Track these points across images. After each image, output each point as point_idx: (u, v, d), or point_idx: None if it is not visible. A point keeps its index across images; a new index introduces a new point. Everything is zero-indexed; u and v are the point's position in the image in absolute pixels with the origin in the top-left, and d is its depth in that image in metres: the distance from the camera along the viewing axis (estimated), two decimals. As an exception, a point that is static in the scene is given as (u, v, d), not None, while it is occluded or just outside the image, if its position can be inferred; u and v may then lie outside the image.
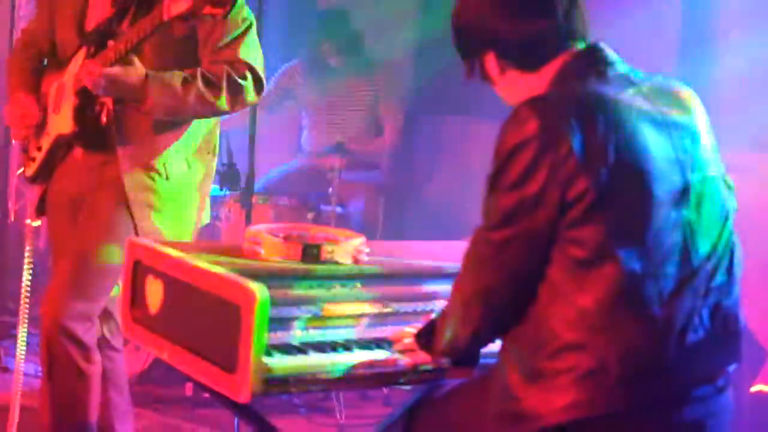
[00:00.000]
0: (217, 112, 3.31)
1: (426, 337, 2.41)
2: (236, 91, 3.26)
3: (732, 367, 2.23)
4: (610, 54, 2.26)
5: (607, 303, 2.06)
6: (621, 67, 2.26)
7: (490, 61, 2.29)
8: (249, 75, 3.28)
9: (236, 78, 3.25)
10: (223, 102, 3.25)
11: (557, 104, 2.12)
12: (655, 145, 2.13)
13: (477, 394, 2.34)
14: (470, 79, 2.35)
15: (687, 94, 2.31)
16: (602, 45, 2.27)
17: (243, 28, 3.30)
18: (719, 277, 2.20)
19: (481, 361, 2.42)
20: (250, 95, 3.31)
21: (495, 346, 2.40)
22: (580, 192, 2.04)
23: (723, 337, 2.20)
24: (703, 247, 2.17)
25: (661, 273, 2.09)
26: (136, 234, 3.24)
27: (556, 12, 2.23)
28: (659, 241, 2.09)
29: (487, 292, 2.17)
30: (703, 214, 2.18)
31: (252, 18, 3.36)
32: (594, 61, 2.23)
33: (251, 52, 3.32)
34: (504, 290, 2.15)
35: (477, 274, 2.18)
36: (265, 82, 3.36)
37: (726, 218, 2.25)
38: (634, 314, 2.07)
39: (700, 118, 2.28)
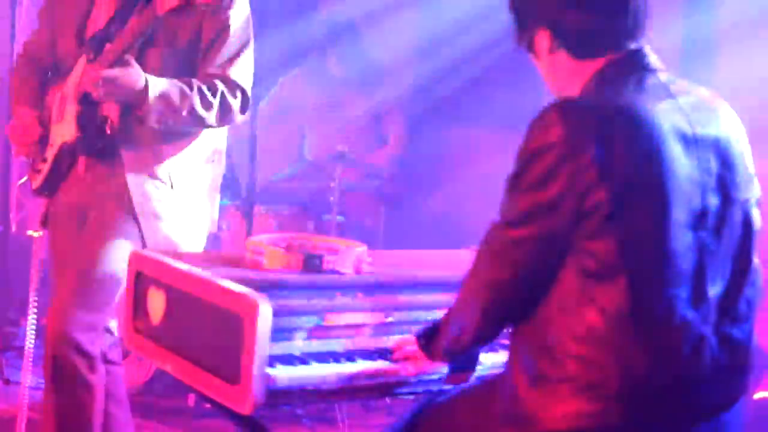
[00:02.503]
0: (203, 126, 3.34)
1: (427, 337, 2.42)
2: (226, 110, 3.30)
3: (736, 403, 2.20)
4: (653, 61, 2.24)
5: (614, 319, 2.05)
6: (662, 75, 2.23)
7: (544, 38, 2.26)
8: (239, 95, 3.33)
9: (228, 96, 3.29)
10: (213, 118, 3.29)
11: (585, 112, 2.11)
12: (679, 163, 2.10)
13: (484, 394, 2.36)
14: (518, 46, 2.32)
15: (726, 110, 2.27)
16: (647, 50, 2.24)
17: (241, 46, 3.33)
18: (734, 307, 2.18)
19: (481, 374, 2.44)
20: (237, 114, 3.36)
21: (496, 358, 2.40)
22: (596, 203, 2.03)
23: (730, 370, 2.17)
24: (719, 273, 2.15)
25: (672, 295, 2.07)
26: (144, 244, 3.25)
27: (627, 11, 2.21)
28: (672, 262, 2.07)
29: (496, 285, 2.18)
30: (722, 239, 2.16)
31: (251, 36, 3.38)
32: (636, 67, 2.21)
33: (245, 72, 3.36)
34: (513, 287, 2.16)
35: (488, 267, 2.19)
36: (251, 102, 3.40)
37: (748, 244, 2.21)
38: (641, 334, 2.06)
39: (736, 137, 2.24)
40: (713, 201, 2.14)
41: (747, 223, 2.22)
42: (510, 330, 2.26)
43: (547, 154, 2.07)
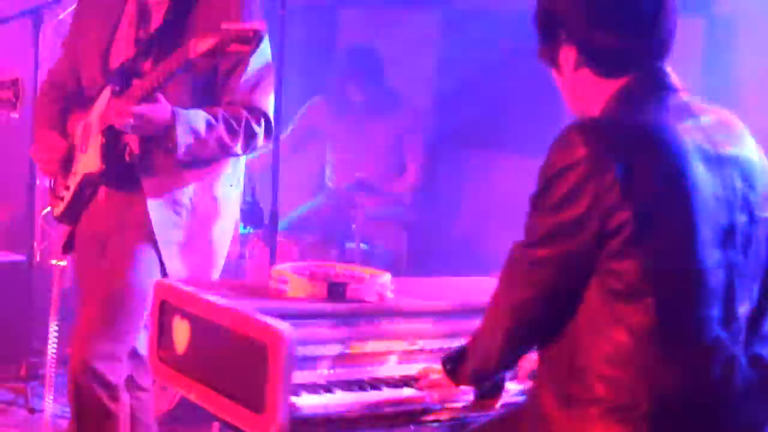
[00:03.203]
0: (230, 155, 3.36)
1: (453, 362, 2.41)
2: (251, 137, 3.32)
3: None
4: (675, 80, 2.23)
5: (643, 339, 2.04)
6: (683, 95, 2.22)
7: (569, 55, 2.24)
8: (263, 122, 3.34)
9: (252, 124, 3.30)
10: (238, 146, 3.31)
11: (607, 131, 2.10)
12: (703, 181, 2.09)
13: (512, 420, 2.34)
14: (540, 60, 2.31)
15: (744, 130, 2.27)
16: (668, 69, 2.24)
17: (263, 72, 3.34)
18: (762, 326, 2.16)
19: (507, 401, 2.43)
20: (261, 141, 3.37)
21: (521, 386, 2.39)
22: (620, 223, 2.02)
23: (760, 390, 2.14)
24: (748, 292, 2.13)
25: (701, 315, 2.06)
26: (163, 272, 3.25)
27: (654, 32, 2.20)
28: (702, 281, 2.06)
29: (520, 306, 2.16)
30: (749, 258, 2.14)
31: (270, 58, 3.39)
32: (657, 86, 2.20)
33: (267, 99, 3.38)
34: (536, 308, 2.15)
35: (511, 289, 2.18)
36: (274, 129, 3.42)
37: None
38: (670, 354, 2.04)
39: (756, 157, 2.24)
40: (740, 219, 2.13)
41: None
42: (537, 353, 2.25)
43: (570, 174, 2.06)
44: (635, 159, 2.05)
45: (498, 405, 2.49)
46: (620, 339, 2.05)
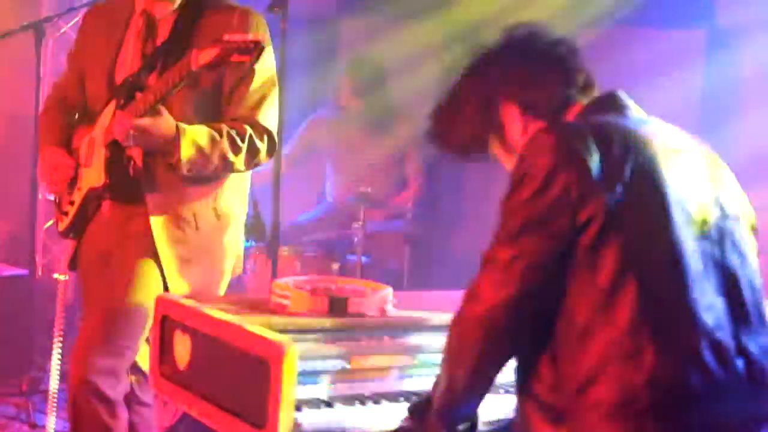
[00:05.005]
0: (232, 171, 3.36)
1: (420, 411, 2.31)
2: (254, 153, 3.32)
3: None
4: (628, 100, 2.30)
5: (629, 332, 2.02)
6: (639, 112, 2.29)
7: (510, 110, 2.33)
8: (266, 138, 3.34)
9: (255, 141, 3.30)
10: (241, 162, 3.30)
11: (575, 128, 2.16)
12: (674, 173, 2.13)
13: None
14: (488, 130, 2.39)
15: (698, 140, 2.32)
16: (621, 92, 2.31)
17: (267, 88, 3.34)
18: (746, 319, 2.15)
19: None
20: (263, 157, 3.38)
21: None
22: (591, 214, 2.03)
23: (752, 382, 2.13)
24: (728, 283, 2.14)
25: (685, 300, 2.06)
26: (165, 287, 3.25)
27: (574, 81, 2.31)
28: (681, 265, 2.07)
29: (489, 315, 2.09)
30: (727, 251, 2.16)
31: (275, 74, 3.40)
32: (613, 103, 2.28)
33: (271, 115, 3.38)
34: (506, 312, 2.08)
35: (480, 296, 2.11)
36: (277, 145, 3.42)
37: (750, 260, 2.21)
38: (660, 343, 2.02)
39: (719, 159, 2.29)
40: (712, 212, 2.17)
41: (745, 239, 2.23)
42: (517, 370, 2.20)
43: (538, 171, 2.08)
44: (603, 151, 2.08)
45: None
46: (609, 335, 2.03)
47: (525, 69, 2.34)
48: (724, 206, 2.21)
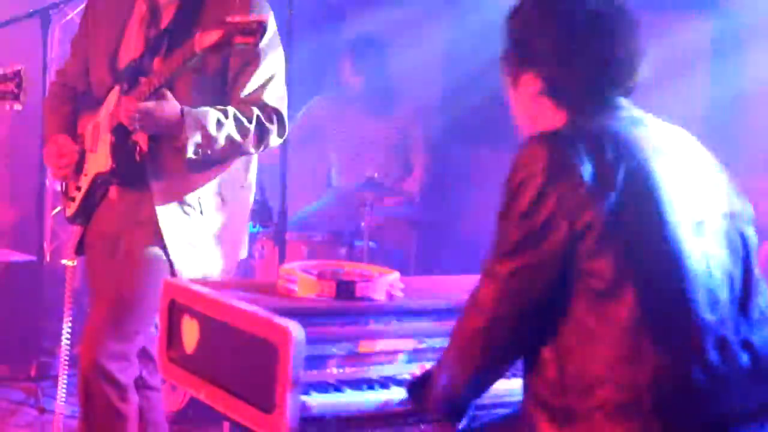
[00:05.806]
0: (242, 154, 3.35)
1: (419, 388, 2.35)
2: (263, 135, 3.31)
3: None
4: (626, 103, 2.27)
5: (631, 332, 2.03)
6: (634, 111, 2.26)
7: (533, 82, 2.27)
8: (275, 119, 3.33)
9: (264, 122, 3.29)
10: (249, 144, 3.29)
11: (567, 137, 2.13)
12: (668, 176, 2.12)
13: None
14: (503, 76, 2.34)
15: (693, 138, 2.31)
16: (623, 101, 2.28)
17: (274, 70, 3.33)
18: (747, 315, 2.16)
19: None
20: (274, 139, 3.36)
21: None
22: (588, 222, 2.03)
23: (757, 376, 2.14)
24: (729, 280, 2.14)
25: (684, 299, 2.06)
26: (172, 272, 3.26)
27: (620, 75, 2.25)
28: (678, 265, 2.07)
29: (490, 328, 2.12)
30: (726, 249, 2.16)
31: (282, 55, 3.39)
32: (609, 106, 2.24)
33: (279, 96, 3.37)
34: (507, 325, 2.11)
35: (480, 309, 2.14)
36: (288, 125, 3.40)
37: (748, 257, 2.21)
38: (662, 343, 2.03)
39: (712, 159, 2.28)
40: (709, 211, 2.17)
41: (743, 237, 2.23)
42: (523, 371, 2.21)
43: (532, 181, 2.07)
44: (597, 158, 2.07)
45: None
46: (612, 337, 2.04)
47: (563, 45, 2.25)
48: (720, 204, 2.21)
